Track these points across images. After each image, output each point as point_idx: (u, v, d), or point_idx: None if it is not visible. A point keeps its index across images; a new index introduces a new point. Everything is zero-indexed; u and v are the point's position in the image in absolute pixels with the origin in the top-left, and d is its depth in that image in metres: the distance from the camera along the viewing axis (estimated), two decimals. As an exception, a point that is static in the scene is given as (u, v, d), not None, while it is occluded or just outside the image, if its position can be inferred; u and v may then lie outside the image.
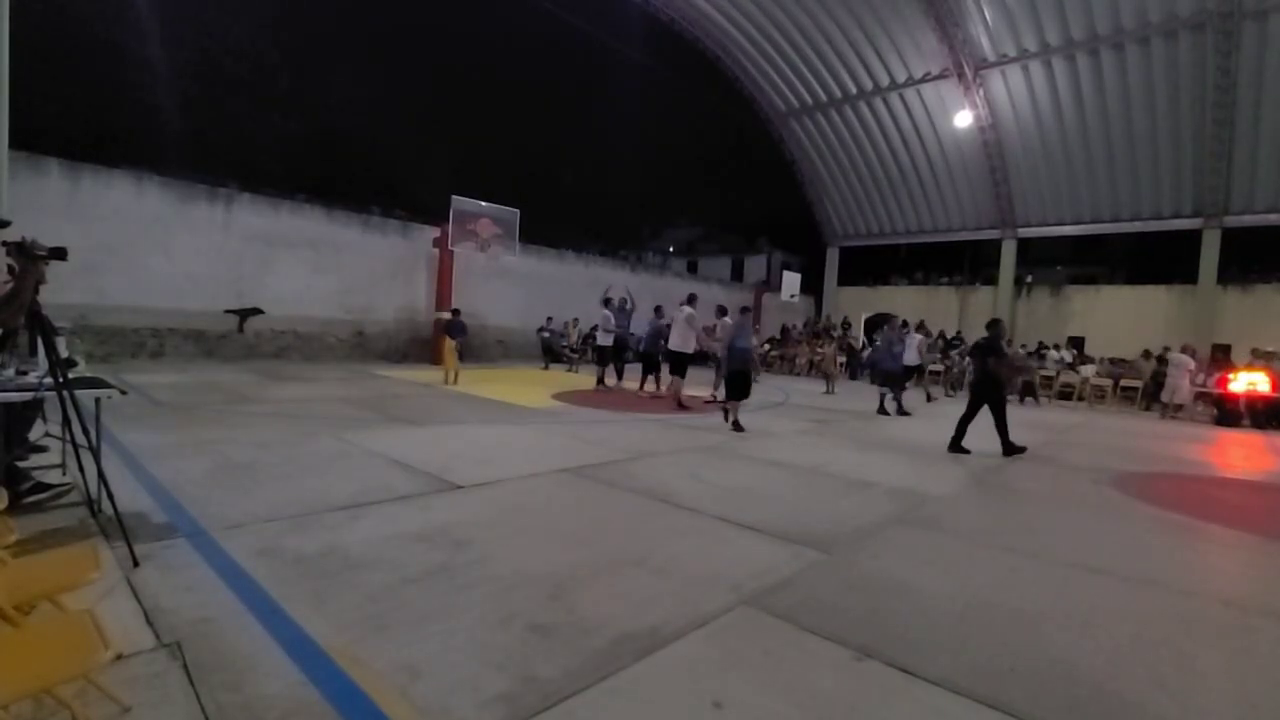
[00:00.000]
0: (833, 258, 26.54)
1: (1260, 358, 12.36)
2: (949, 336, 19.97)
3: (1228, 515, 5.04)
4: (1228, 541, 4.46)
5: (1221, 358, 14.97)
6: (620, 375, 12.37)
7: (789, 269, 24.87)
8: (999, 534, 4.26)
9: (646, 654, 2.38)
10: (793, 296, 22.87)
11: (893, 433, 8.53)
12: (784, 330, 23.09)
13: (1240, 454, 8.84)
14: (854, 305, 24.88)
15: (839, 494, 5.04)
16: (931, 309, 23.05)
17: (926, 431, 8.81)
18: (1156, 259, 21.23)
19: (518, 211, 16.13)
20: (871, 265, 27.02)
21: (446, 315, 15.00)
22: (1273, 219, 17.04)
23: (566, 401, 9.78)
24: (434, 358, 14.67)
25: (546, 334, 16.25)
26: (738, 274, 33.40)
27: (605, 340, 12.12)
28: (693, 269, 33.84)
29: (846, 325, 22.60)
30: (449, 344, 10.94)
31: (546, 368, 15.45)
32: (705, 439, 7.19)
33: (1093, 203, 19.60)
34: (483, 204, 15.38)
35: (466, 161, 26.29)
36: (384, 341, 14.83)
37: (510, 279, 17.24)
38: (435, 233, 15.33)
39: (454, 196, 14.81)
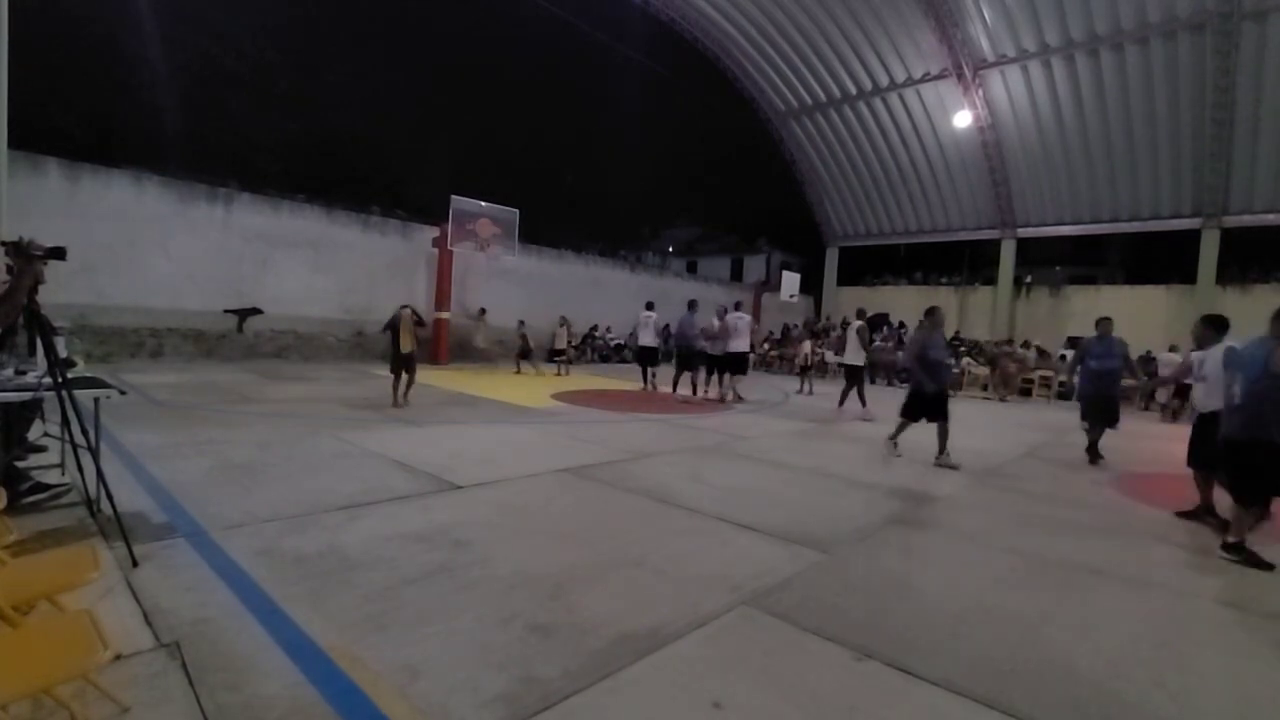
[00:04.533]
0: (832, 257, 26.56)
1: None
2: (948, 337, 19.99)
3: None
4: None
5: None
6: (695, 386, 10.98)
7: (788, 269, 24.87)
8: (998, 534, 4.26)
9: (646, 654, 2.38)
10: (792, 297, 22.86)
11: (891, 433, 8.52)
12: (785, 330, 23.10)
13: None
14: (853, 305, 24.76)
15: (839, 494, 5.04)
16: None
17: (924, 434, 8.81)
18: (1155, 259, 21.28)
19: (517, 211, 16.14)
20: (871, 265, 27.04)
21: (445, 315, 15.02)
22: (1271, 219, 17.06)
23: (566, 401, 9.78)
24: (434, 357, 14.66)
25: (522, 335, 14.12)
26: (737, 274, 33.41)
27: (647, 340, 12.35)
28: (692, 269, 33.84)
29: (845, 325, 22.58)
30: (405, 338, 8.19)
31: (518, 371, 13.85)
32: (705, 439, 7.18)
33: (1092, 203, 19.62)
34: (482, 204, 15.39)
35: (466, 162, 26.33)
36: (384, 342, 14.82)
37: (510, 279, 17.24)
38: (435, 233, 15.33)
39: (453, 196, 14.82)
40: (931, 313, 6.83)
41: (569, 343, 14.55)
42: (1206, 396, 4.72)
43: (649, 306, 12.52)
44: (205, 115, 22.20)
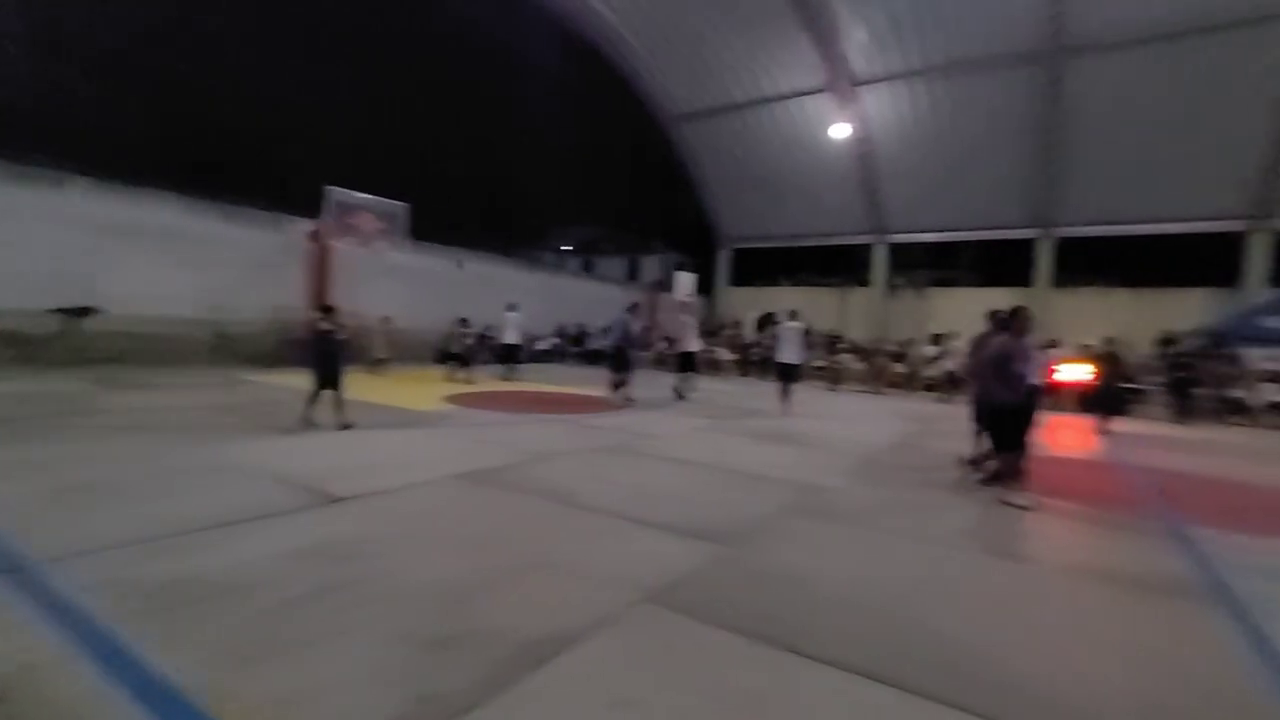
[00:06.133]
0: (724, 259, 27.53)
1: (1084, 351, 14.18)
2: (830, 334, 21.35)
3: (1067, 490, 5.73)
4: (1067, 513, 5.06)
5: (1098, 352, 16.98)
6: (620, 384, 10.70)
7: (683, 270, 25.44)
8: (883, 519, 4.58)
9: (550, 659, 2.33)
10: (687, 297, 23.42)
11: (786, 428, 8.96)
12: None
13: (1071, 436, 10.11)
14: (745, 305, 25.98)
15: (737, 488, 5.20)
16: (815, 308, 24.50)
17: (816, 426, 9.35)
18: (1002, 264, 23.85)
19: (404, 206, 15.31)
20: (761, 266, 28.15)
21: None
22: (1095, 231, 19.84)
23: (459, 404, 9.43)
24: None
25: (469, 339, 13.56)
26: (633, 274, 33.77)
27: (510, 339, 13.56)
28: (589, 268, 33.81)
29: (738, 323, 23.54)
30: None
31: (453, 375, 12.85)
32: (607, 438, 7.18)
33: (950, 212, 21.75)
34: (364, 196, 14.47)
35: (349, 154, 24.66)
36: (252, 344, 13.55)
37: (396, 277, 16.35)
38: (311, 226, 14.23)
39: (331, 188, 13.79)
40: (1018, 313, 5.52)
41: (469, 345, 13.89)
42: None
43: (511, 307, 13.87)
44: (33, 87, 19.24)
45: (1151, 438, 10.17)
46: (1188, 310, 17.77)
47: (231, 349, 13.24)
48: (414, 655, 2.30)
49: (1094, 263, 21.03)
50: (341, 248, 14.24)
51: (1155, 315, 17.76)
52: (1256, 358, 14.81)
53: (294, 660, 2.23)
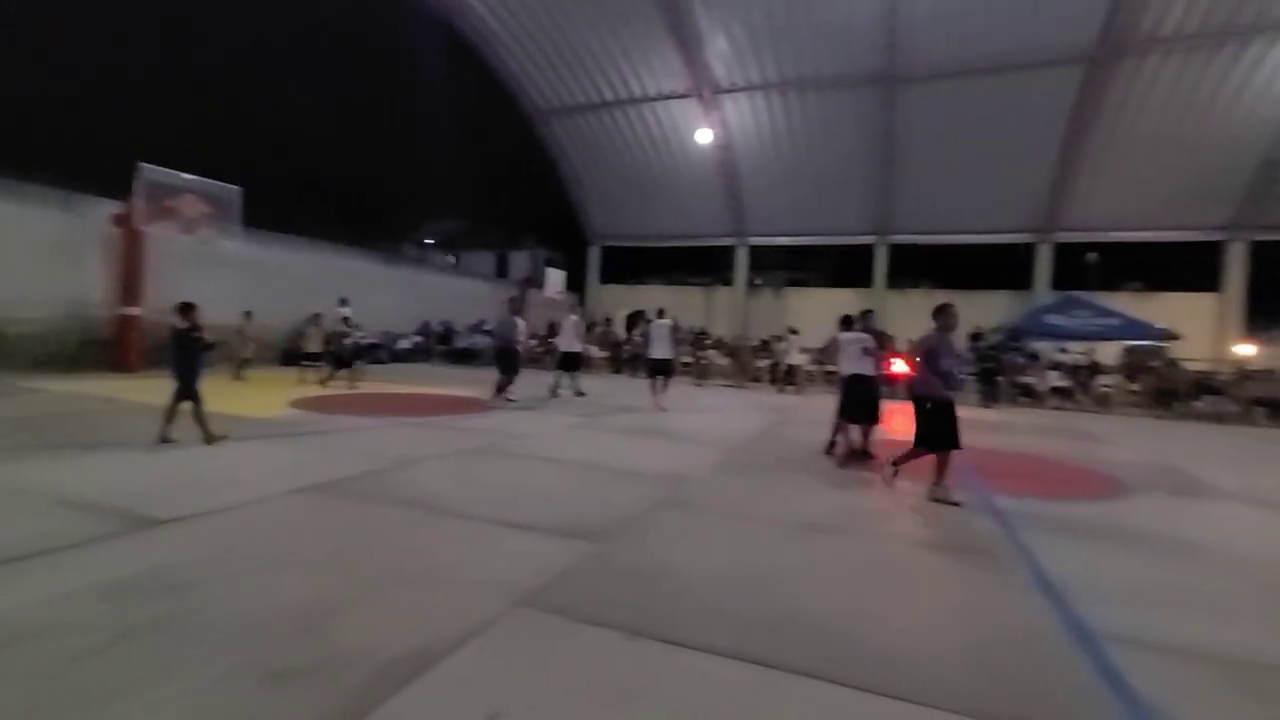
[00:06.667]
0: (594, 256, 27.67)
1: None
2: (696, 331, 22.21)
3: (904, 470, 6.39)
4: (905, 492, 5.65)
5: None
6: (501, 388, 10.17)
7: (553, 266, 25.21)
8: (744, 506, 4.83)
9: (416, 676, 2.18)
10: (557, 293, 23.26)
11: (658, 423, 9.17)
12: (551, 327, 23.40)
13: (905, 421, 11.31)
14: (615, 302, 26.30)
15: (608, 484, 5.23)
16: (682, 306, 25.38)
17: (686, 421, 9.67)
18: (848, 266, 26.24)
19: (238, 189, 13.65)
20: (631, 264, 28.63)
21: (135, 312, 12.14)
22: (921, 239, 22.43)
23: (308, 409, 8.63)
24: (116, 363, 11.85)
25: (349, 338, 12.51)
26: (502, 270, 32.93)
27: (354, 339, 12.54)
28: (455, 263, 32.45)
29: (609, 320, 23.77)
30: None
31: (328, 379, 11.77)
32: (476, 440, 6.92)
33: (804, 218, 23.49)
34: (188, 177, 12.73)
35: (167, 128, 21.69)
36: (38, 344, 11.46)
37: (230, 268, 14.58)
38: (118, 208, 12.29)
39: (143, 165, 11.95)
40: (943, 311, 5.48)
41: (326, 345, 12.55)
42: (845, 365, 6.77)
43: (342, 302, 12.89)
44: None
45: (966, 420, 11.65)
46: (993, 309, 20.61)
47: (10, 351, 11.12)
48: (251, 693, 2.06)
49: (921, 267, 23.78)
50: (158, 234, 12.45)
51: (969, 314, 20.40)
52: (1044, 350, 17.54)
53: (96, 715, 1.90)
